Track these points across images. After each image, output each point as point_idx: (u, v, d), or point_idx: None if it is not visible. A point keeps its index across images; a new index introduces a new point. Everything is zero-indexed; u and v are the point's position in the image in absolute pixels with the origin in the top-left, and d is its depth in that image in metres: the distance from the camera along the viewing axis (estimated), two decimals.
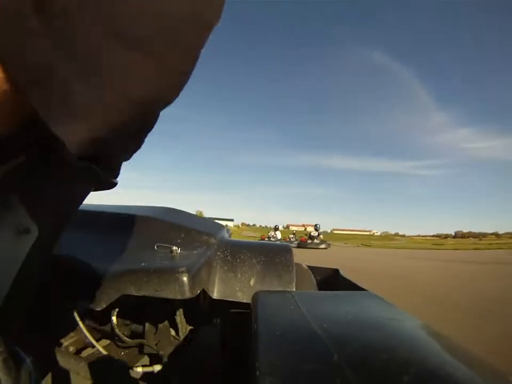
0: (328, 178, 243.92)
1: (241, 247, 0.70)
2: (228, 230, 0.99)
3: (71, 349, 0.62)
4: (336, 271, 0.91)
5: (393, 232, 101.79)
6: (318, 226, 12.88)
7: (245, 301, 0.60)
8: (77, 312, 0.59)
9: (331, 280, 0.91)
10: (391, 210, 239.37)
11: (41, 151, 0.23)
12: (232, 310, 0.66)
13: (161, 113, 0.24)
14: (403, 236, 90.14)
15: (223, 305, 0.68)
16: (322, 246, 11.08)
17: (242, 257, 0.67)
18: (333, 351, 0.26)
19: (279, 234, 15.15)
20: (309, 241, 11.60)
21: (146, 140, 0.25)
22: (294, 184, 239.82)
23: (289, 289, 0.62)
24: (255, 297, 0.47)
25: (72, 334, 0.62)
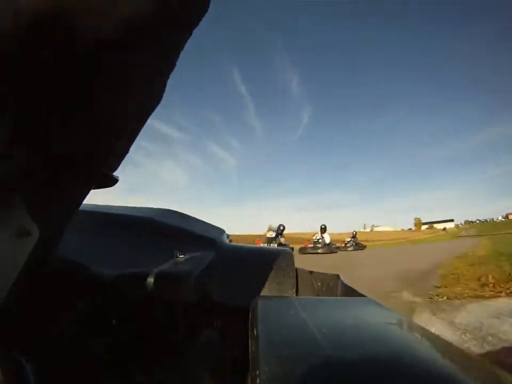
0: None
1: (241, 252, 0.71)
2: (228, 235, 0.99)
3: (71, 350, 0.62)
4: (336, 277, 0.88)
5: None
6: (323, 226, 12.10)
7: (244, 306, 0.58)
8: (77, 314, 0.60)
9: (332, 285, 0.90)
10: None
11: (42, 153, 0.24)
12: (232, 316, 0.65)
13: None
14: None
15: (223, 310, 0.68)
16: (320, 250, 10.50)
17: (242, 262, 0.67)
18: (333, 358, 0.26)
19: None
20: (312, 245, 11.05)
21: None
22: None
23: (289, 295, 0.61)
24: (255, 303, 0.47)
25: (72, 336, 0.62)
